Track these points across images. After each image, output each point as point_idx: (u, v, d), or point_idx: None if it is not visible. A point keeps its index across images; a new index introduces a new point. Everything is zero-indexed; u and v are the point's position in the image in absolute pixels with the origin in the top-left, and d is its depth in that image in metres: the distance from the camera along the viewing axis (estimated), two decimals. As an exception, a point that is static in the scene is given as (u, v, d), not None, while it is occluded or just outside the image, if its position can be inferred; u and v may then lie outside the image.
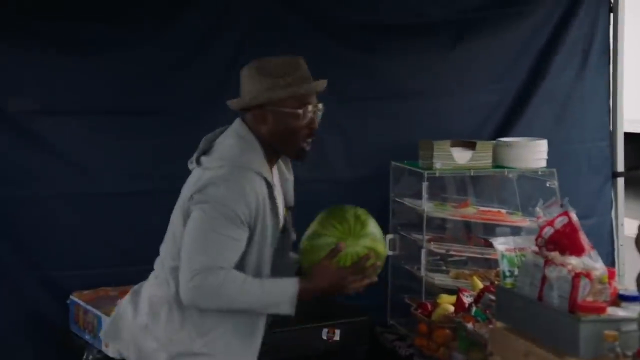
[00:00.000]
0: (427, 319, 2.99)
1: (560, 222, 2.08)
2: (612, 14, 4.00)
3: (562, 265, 1.99)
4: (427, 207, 3.31)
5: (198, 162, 2.15)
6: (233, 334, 2.13)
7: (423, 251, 3.31)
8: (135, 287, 2.25)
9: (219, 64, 3.46)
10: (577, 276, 1.94)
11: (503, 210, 3.47)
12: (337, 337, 3.14)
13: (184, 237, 2.08)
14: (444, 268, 3.45)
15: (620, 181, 4.09)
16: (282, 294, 2.06)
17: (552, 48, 3.91)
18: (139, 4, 3.38)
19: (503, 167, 3.49)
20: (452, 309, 2.89)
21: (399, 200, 3.58)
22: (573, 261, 2.02)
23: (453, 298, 2.95)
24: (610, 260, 3.82)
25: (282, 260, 2.25)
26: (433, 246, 3.35)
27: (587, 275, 1.95)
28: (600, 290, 1.97)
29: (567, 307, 1.95)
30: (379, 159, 3.69)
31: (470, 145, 3.41)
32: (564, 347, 1.95)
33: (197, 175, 2.13)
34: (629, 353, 1.79)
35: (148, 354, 2.12)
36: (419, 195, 3.36)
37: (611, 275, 2.05)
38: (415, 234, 3.43)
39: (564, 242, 2.07)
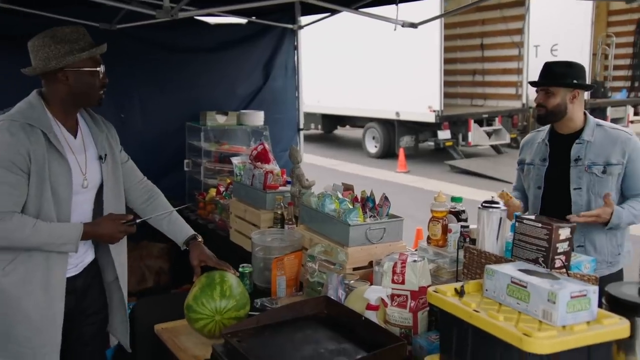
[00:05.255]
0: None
1: (260, 148, 4.64)
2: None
3: (259, 167, 4.57)
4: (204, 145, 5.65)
5: None
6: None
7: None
8: None
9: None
10: (266, 173, 4.52)
11: (244, 147, 5.74)
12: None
13: None
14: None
15: None
16: (68, 236, 2.26)
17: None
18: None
19: (244, 125, 5.87)
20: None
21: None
22: (266, 166, 4.61)
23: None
24: None
25: (117, 200, 2.53)
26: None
27: (271, 172, 4.53)
28: (276, 179, 4.55)
29: (262, 187, 4.48)
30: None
31: (225, 113, 5.77)
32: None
33: None
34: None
35: None
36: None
37: (283, 173, 4.66)
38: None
39: (261, 157, 4.65)
